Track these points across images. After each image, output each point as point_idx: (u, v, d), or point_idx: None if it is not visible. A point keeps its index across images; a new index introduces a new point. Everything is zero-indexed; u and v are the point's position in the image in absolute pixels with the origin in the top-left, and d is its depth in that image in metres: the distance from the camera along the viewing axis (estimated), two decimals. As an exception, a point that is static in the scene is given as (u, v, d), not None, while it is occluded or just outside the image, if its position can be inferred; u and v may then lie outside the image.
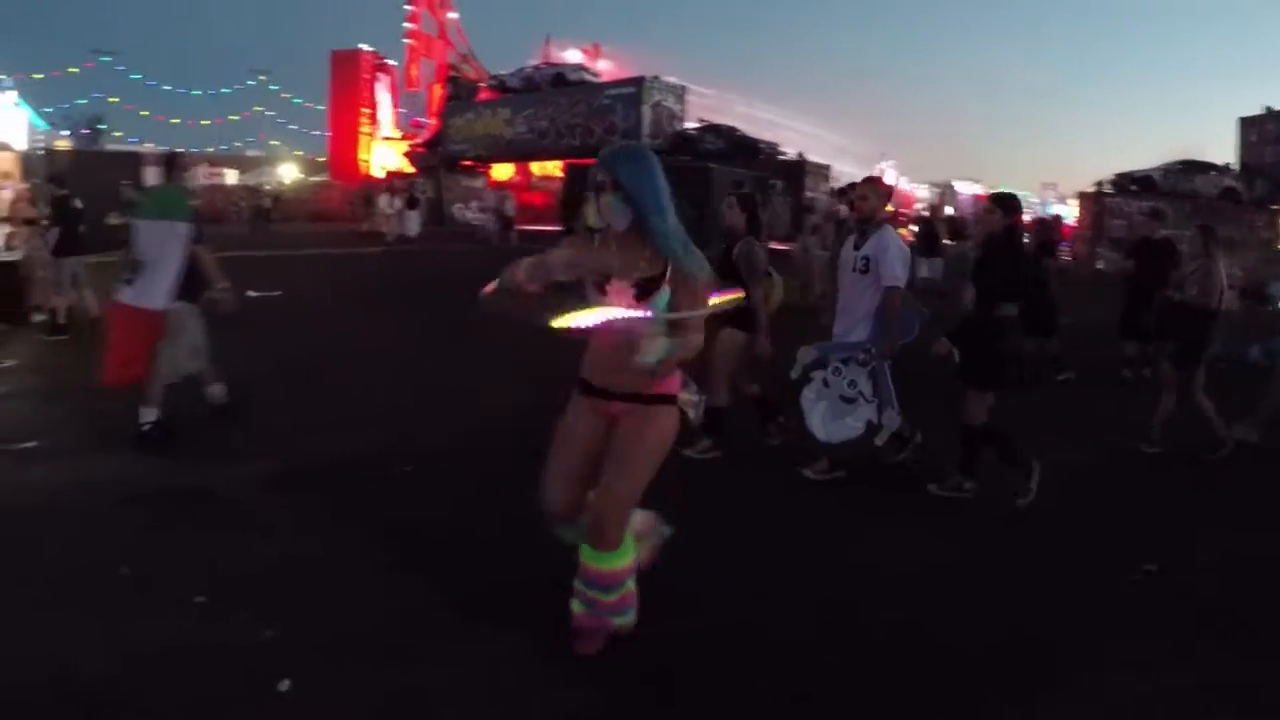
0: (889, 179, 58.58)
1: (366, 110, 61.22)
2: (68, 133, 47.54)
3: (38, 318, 13.72)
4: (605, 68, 53.38)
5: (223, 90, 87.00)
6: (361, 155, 60.18)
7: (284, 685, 3.97)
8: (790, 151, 39.96)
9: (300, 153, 72.76)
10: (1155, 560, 5.63)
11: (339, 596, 4.88)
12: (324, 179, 60.44)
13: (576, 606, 4.27)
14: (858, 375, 6.64)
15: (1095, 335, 12.85)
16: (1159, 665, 4.51)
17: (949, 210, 53.72)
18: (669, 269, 3.86)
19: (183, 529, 5.82)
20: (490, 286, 3.80)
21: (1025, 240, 8.58)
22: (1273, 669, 4.53)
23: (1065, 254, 26.28)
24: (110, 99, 71.52)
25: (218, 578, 5.02)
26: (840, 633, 4.68)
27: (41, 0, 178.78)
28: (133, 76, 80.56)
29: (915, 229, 24.31)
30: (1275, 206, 36.34)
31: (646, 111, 39.40)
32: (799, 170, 36.53)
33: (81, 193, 14.19)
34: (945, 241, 22.63)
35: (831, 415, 6.72)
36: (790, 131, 48.68)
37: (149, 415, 7.47)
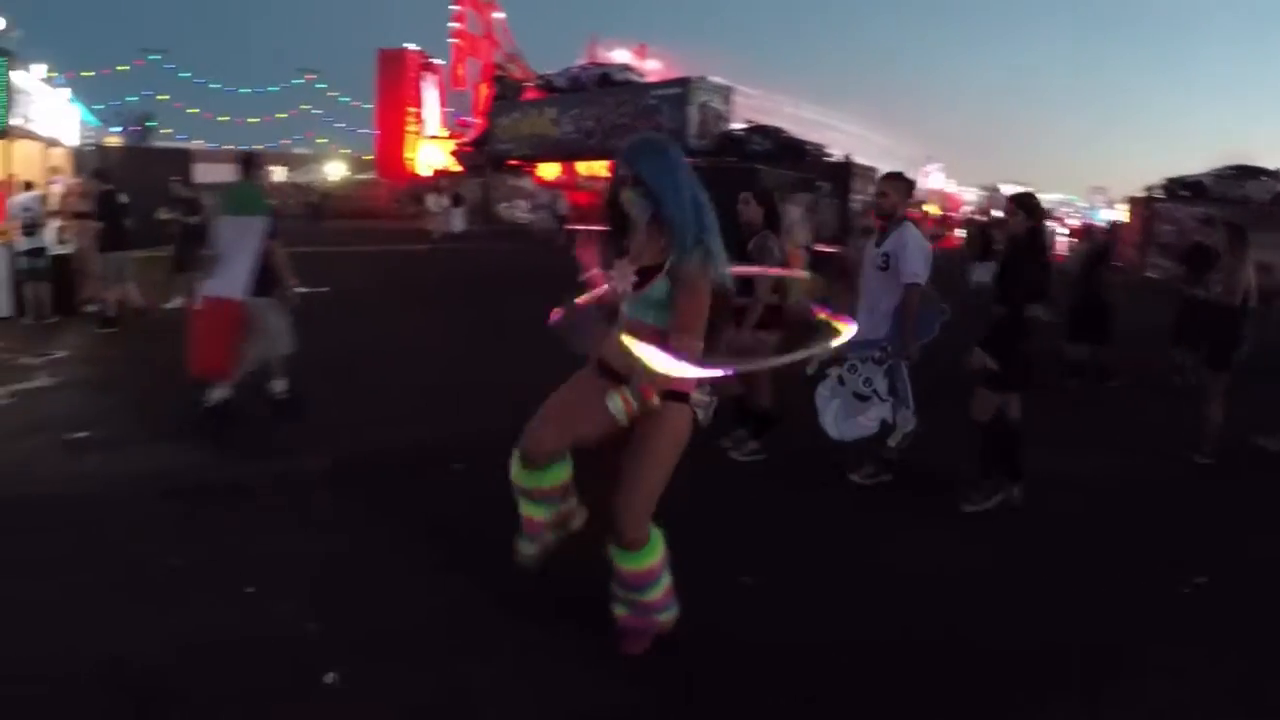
0: (936, 182, 58.30)
1: (413, 109, 61.61)
2: (118, 129, 48.09)
3: (89, 309, 13.91)
4: (652, 67, 53.33)
5: (270, 89, 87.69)
6: (408, 154, 60.56)
7: (330, 678, 3.99)
8: (837, 153, 39.71)
9: (347, 151, 73.21)
10: (1203, 570, 5.54)
11: (384, 591, 4.89)
12: (371, 177, 60.80)
13: (619, 609, 4.26)
14: (873, 373, 6.56)
15: (1147, 342, 12.69)
16: (1196, 673, 4.43)
17: (995, 213, 53.27)
18: (669, 261, 3.85)
19: (230, 522, 5.86)
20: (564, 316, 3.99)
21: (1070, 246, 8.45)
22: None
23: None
24: (160, 97, 72.32)
25: (265, 570, 5.05)
26: (871, 635, 4.63)
27: (93, 0, 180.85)
28: (182, 75, 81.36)
29: (964, 232, 24.03)
30: (1329, 213, 35.72)
31: (692, 112, 39.28)
32: (845, 172, 36.27)
33: (131, 189, 14.39)
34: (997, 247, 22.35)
35: (845, 413, 6.66)
36: (837, 133, 48.47)
37: (219, 394, 7.74)
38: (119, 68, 70.67)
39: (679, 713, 3.94)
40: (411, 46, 62.24)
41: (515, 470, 4.34)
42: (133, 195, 14.20)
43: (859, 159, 38.86)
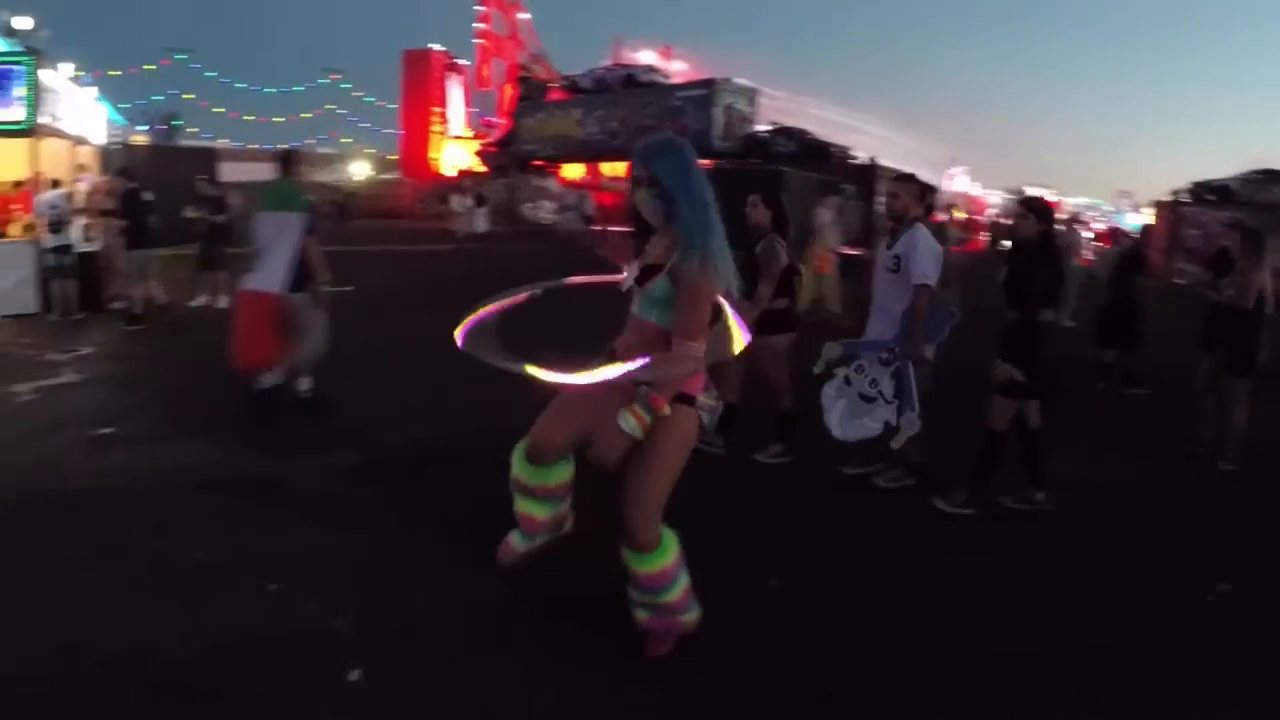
0: (960, 184, 58.06)
1: (438, 109, 61.86)
2: (145, 128, 48.37)
3: (115, 306, 13.99)
4: (678, 68, 53.36)
5: (296, 88, 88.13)
6: (432, 154, 60.78)
7: (354, 675, 3.99)
8: (862, 155, 39.60)
9: (372, 150, 73.47)
10: (1227, 578, 5.47)
11: (409, 589, 4.88)
12: (395, 177, 60.96)
13: (640, 614, 4.24)
14: (880, 374, 6.50)
15: (1173, 348, 12.56)
16: (1213, 682, 4.37)
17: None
18: (670, 261, 3.85)
19: (256, 517, 5.88)
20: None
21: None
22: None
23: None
24: (185, 96, 72.70)
25: (290, 567, 5.06)
26: (896, 637, 4.59)
27: (119, 0, 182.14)
28: (207, 74, 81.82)
29: (988, 235, 23.84)
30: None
31: (718, 114, 39.27)
32: (870, 174, 36.15)
33: (157, 187, 14.46)
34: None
35: (850, 414, 6.61)
36: (862, 135, 48.33)
37: (270, 379, 7.97)
38: (145, 67, 71.18)
39: (701, 713, 3.92)
40: (437, 47, 62.40)
41: (518, 466, 4.36)
42: (159, 193, 14.26)
43: (884, 161, 38.74)
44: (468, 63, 64.24)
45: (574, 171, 49.79)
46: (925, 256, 6.38)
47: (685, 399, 3.96)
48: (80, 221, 14.18)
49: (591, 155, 46.78)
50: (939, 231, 10.59)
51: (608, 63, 52.35)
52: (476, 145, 59.12)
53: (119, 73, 62.59)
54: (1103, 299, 11.90)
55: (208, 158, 24.45)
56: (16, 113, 14.13)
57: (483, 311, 4.28)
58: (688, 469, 4.03)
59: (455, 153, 60.52)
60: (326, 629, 4.40)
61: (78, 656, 4.09)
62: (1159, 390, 11.04)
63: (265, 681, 3.96)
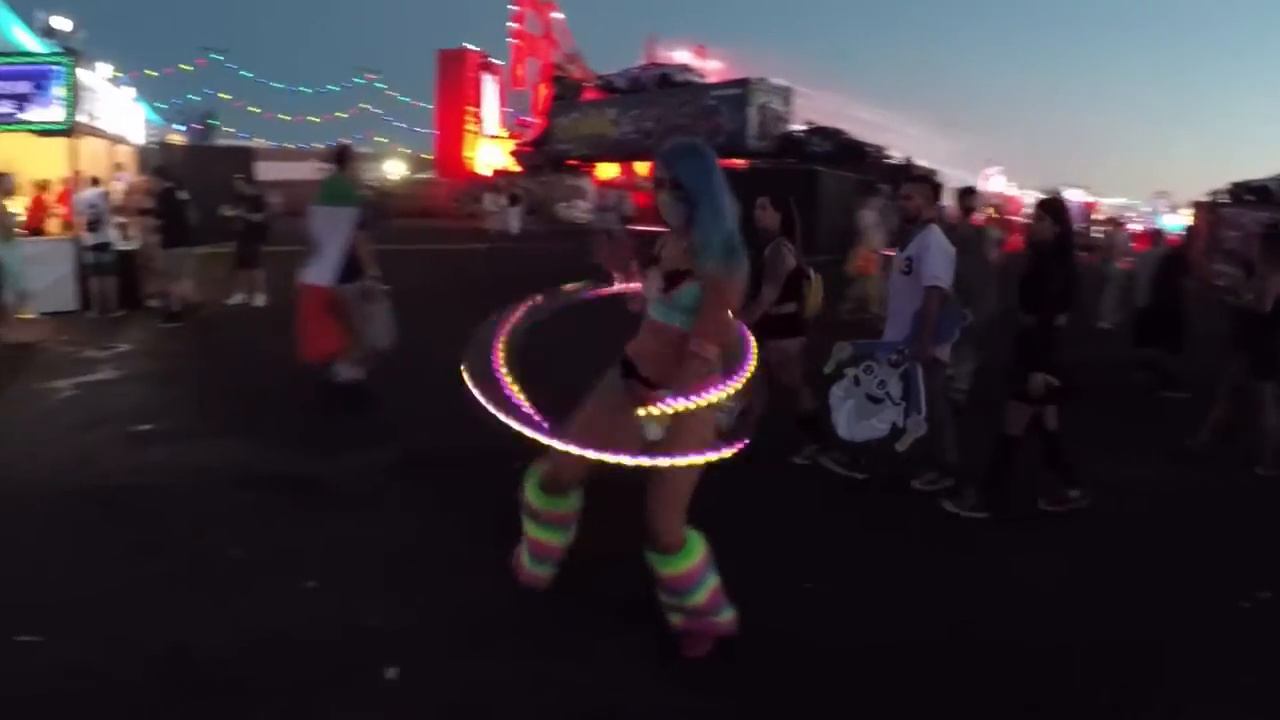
0: (996, 185, 57.69)
1: (472, 109, 61.97)
2: (182, 128, 48.74)
3: (151, 304, 14.11)
4: (713, 67, 53.29)
5: (331, 88, 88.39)
6: (467, 153, 60.90)
7: (391, 673, 3.98)
8: (897, 155, 39.44)
9: (407, 150, 73.67)
10: (1267, 585, 5.35)
11: (447, 587, 4.88)
12: (430, 176, 61.14)
13: (674, 617, 4.24)
14: (888, 376, 6.42)
15: (1212, 351, 12.40)
16: (1245, 691, 4.29)
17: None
18: (697, 265, 3.85)
19: (293, 514, 5.90)
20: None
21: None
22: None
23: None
24: (221, 95, 72.94)
25: (326, 564, 5.08)
26: (927, 638, 4.52)
27: (155, 0, 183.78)
28: (243, 74, 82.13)
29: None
30: (1398, 218, 34.74)
31: (752, 113, 39.25)
32: (906, 175, 35.98)
33: (195, 186, 14.60)
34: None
35: (857, 414, 6.53)
36: (898, 135, 48.18)
37: (347, 374, 8.15)
38: (182, 67, 71.53)
39: (739, 714, 3.88)
40: (471, 47, 62.57)
41: (531, 493, 4.43)
42: (197, 192, 14.39)
43: (920, 161, 38.56)
44: (502, 62, 64.38)
45: (608, 171, 49.83)
46: (936, 258, 6.30)
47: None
48: (116, 220, 14.30)
49: (626, 155, 46.82)
50: (980, 235, 10.48)
51: (642, 62, 52.38)
52: (511, 145, 59.27)
53: (155, 73, 62.92)
54: (1142, 300, 11.77)
55: (244, 157, 24.62)
56: (56, 113, 14.24)
57: (493, 344, 4.46)
58: (706, 474, 4.02)
59: (490, 152, 60.66)
60: (362, 627, 4.40)
61: (120, 652, 4.10)
62: (1198, 393, 10.90)
63: (302, 678, 3.95)
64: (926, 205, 6.60)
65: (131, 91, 21.34)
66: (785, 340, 6.89)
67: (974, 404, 6.50)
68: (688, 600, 4.11)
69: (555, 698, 3.90)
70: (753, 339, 4.17)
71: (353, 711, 3.76)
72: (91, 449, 7.11)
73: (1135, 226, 39.88)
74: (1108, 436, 8.20)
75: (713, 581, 4.15)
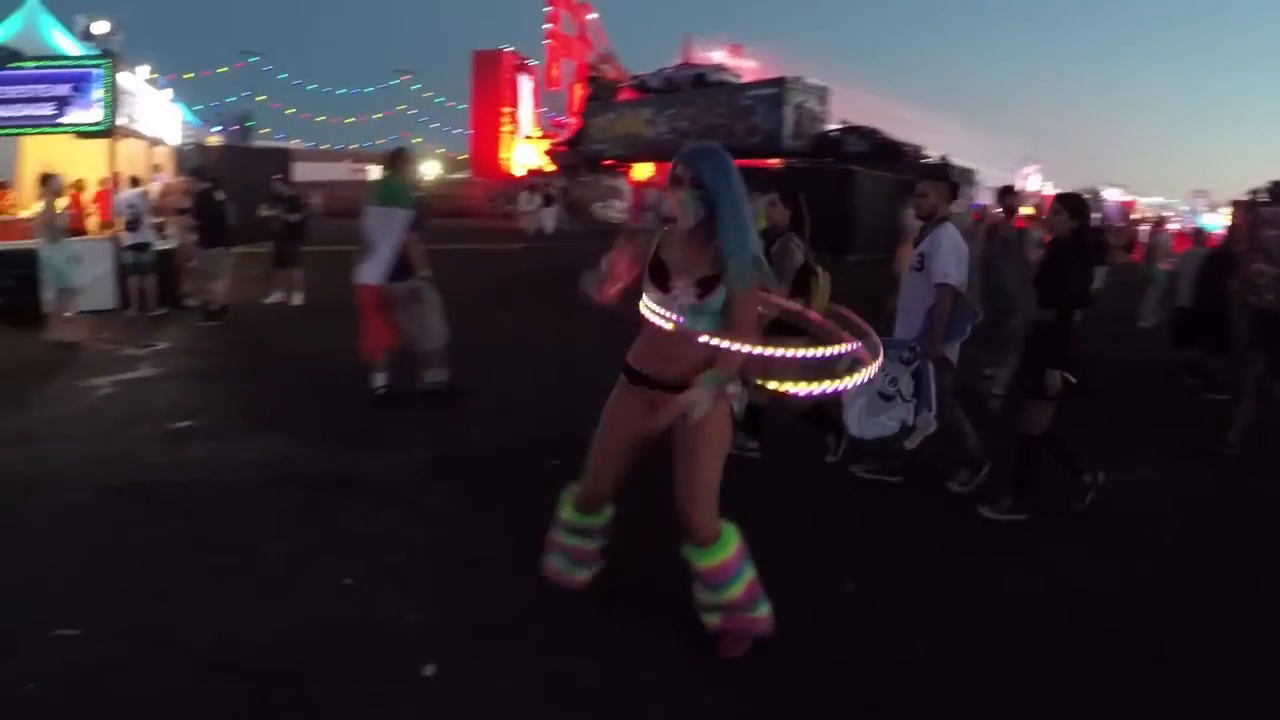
0: (1033, 184, 57.28)
1: (507, 109, 62.12)
2: (219, 129, 49.18)
3: (189, 303, 14.24)
4: (749, 66, 53.18)
5: (366, 89, 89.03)
6: (502, 153, 61.06)
7: (429, 670, 3.97)
8: (934, 154, 39.21)
9: (442, 150, 74.07)
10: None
11: (485, 584, 4.87)
12: (465, 176, 61.35)
13: (710, 618, 4.22)
14: (899, 373, 6.36)
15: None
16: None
17: (1095, 217, 51.94)
18: (727, 267, 3.89)
19: (332, 512, 5.91)
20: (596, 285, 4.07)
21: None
22: None
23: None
24: (258, 97, 73.62)
25: (365, 560, 5.08)
26: (959, 644, 4.46)
27: (193, 3, 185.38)
28: (279, 76, 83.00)
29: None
30: None
31: (788, 112, 39.13)
32: (943, 174, 35.73)
33: (233, 187, 14.74)
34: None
35: (868, 411, 6.48)
36: (935, 134, 47.89)
37: (435, 376, 8.50)
38: (219, 69, 72.23)
39: (765, 717, 3.83)
40: (507, 48, 62.74)
41: (567, 512, 4.53)
42: (235, 193, 14.53)
43: (957, 160, 38.32)
44: (537, 63, 64.50)
45: (643, 171, 49.84)
46: (948, 255, 6.23)
47: None
48: (153, 220, 14.44)
49: (661, 155, 46.72)
50: (1022, 236, 10.35)
51: (677, 62, 52.33)
52: (546, 145, 59.38)
53: (192, 75, 63.56)
54: (1184, 300, 11.62)
55: (282, 158, 24.82)
56: (95, 114, 14.39)
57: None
58: (729, 475, 4.06)
59: (525, 152, 60.81)
60: (401, 624, 4.39)
61: (160, 646, 4.12)
62: (1238, 395, 10.77)
63: (341, 675, 3.95)
64: (942, 202, 6.54)
65: (169, 93, 21.53)
66: (789, 337, 6.85)
67: (1009, 407, 6.41)
68: (725, 593, 4.11)
69: (580, 698, 3.88)
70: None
71: (392, 708, 3.75)
72: (132, 445, 7.16)
73: (1174, 226, 39.44)
74: (1148, 437, 8.12)
75: (749, 574, 4.17)
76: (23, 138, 15.86)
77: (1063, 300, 5.93)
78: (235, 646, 4.14)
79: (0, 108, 14.16)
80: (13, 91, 14.14)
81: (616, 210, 43.10)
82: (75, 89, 14.37)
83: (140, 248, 13.91)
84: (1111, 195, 68.25)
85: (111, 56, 15.20)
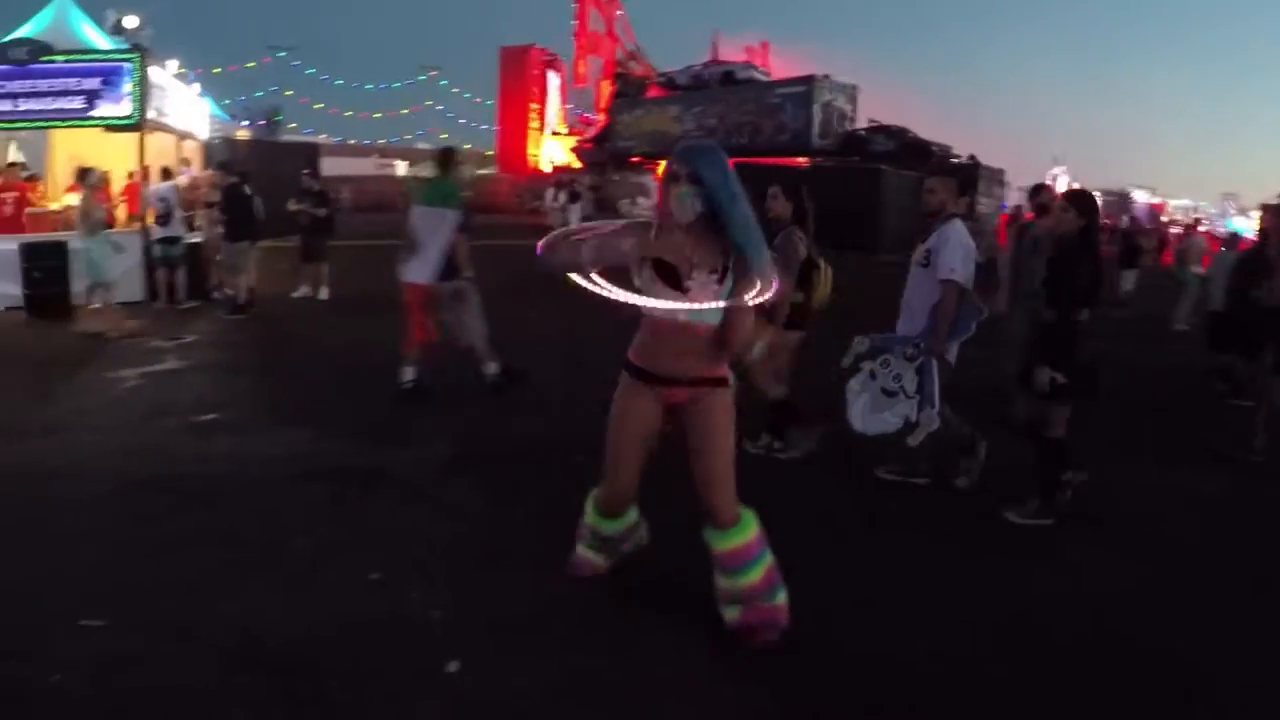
0: (1061, 185, 56.94)
1: (535, 106, 62.11)
2: (247, 124, 49.46)
3: (216, 296, 14.32)
4: (776, 64, 53.00)
5: (394, 85, 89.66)
6: (530, 150, 61.08)
7: (453, 666, 3.97)
8: (962, 154, 38.95)
9: (469, 146, 74.19)
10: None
11: (510, 580, 4.86)
12: (492, 172, 61.42)
13: (729, 612, 4.24)
14: (903, 369, 6.33)
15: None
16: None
17: (1125, 218, 51.62)
18: (734, 258, 4.02)
19: (357, 506, 5.92)
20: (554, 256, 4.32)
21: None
22: None
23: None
24: (286, 92, 73.97)
25: (390, 556, 5.08)
26: (964, 646, 4.40)
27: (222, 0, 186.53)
28: (308, 71, 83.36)
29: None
30: None
31: (816, 111, 38.89)
32: (971, 174, 35.52)
33: (262, 181, 14.83)
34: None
35: (872, 408, 6.45)
36: (963, 134, 47.65)
37: (493, 368, 8.73)
38: (247, 64, 72.61)
39: (785, 713, 3.81)
40: (534, 44, 62.80)
41: (592, 517, 4.67)
42: (264, 188, 14.61)
43: (986, 160, 38.05)
44: (564, 59, 64.56)
45: (670, 168, 49.69)
46: (953, 252, 6.19)
47: (722, 381, 4.25)
48: (182, 214, 14.55)
49: (688, 152, 46.66)
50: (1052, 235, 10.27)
51: (705, 59, 52.20)
52: (573, 141, 59.37)
53: (220, 70, 63.94)
54: (1217, 304, 11.49)
55: (310, 153, 24.85)
56: (125, 108, 14.50)
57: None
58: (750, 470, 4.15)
59: (552, 149, 60.83)
60: (426, 619, 4.39)
61: (185, 638, 4.13)
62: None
63: (365, 671, 3.94)
64: (950, 199, 6.50)
65: (197, 88, 21.66)
66: (786, 332, 6.85)
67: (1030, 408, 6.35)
68: (744, 578, 4.17)
69: (599, 694, 3.88)
70: None
71: (416, 704, 3.75)
72: (158, 438, 7.20)
73: (1204, 228, 39.13)
74: (1177, 442, 8.05)
75: (768, 559, 4.25)
76: (53, 131, 16.01)
77: (1068, 298, 5.87)
78: (260, 641, 4.14)
79: (31, 101, 14.31)
80: (43, 85, 14.28)
81: (643, 208, 43.01)
82: (105, 83, 14.49)
83: (171, 240, 14.05)
84: (1140, 197, 67.74)
85: (141, 51, 15.32)
